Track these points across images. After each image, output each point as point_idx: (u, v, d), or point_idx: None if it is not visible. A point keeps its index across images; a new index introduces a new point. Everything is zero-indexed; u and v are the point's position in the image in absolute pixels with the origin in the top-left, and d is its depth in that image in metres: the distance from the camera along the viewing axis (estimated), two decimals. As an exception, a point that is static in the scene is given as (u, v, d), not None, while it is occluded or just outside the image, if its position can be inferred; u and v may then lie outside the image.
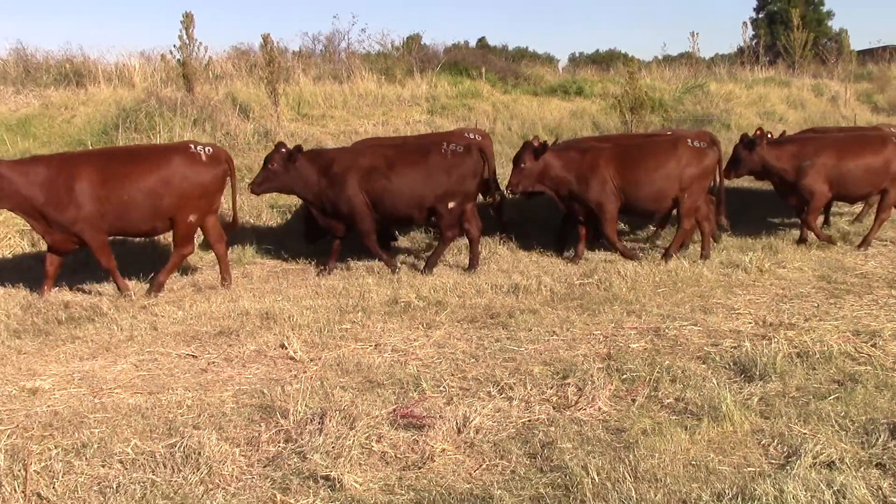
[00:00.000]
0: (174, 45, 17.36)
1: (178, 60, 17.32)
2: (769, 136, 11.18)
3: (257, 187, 9.98)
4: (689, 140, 10.17)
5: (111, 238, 8.99)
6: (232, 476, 4.67)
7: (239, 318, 7.93)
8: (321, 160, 9.86)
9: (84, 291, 9.10)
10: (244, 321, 7.81)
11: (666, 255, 10.05)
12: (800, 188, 10.61)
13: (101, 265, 8.87)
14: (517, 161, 10.21)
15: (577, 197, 10.17)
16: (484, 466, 4.76)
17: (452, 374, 6.27)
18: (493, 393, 5.85)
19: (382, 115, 18.59)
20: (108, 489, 4.53)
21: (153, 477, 4.65)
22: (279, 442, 5.11)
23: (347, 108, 18.67)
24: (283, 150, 9.85)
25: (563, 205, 10.37)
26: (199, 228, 9.43)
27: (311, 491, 4.49)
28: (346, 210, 9.73)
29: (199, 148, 9.11)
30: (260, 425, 5.37)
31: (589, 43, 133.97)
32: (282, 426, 5.29)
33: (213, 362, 6.78)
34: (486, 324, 7.62)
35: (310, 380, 6.10)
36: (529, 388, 5.88)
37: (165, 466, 4.77)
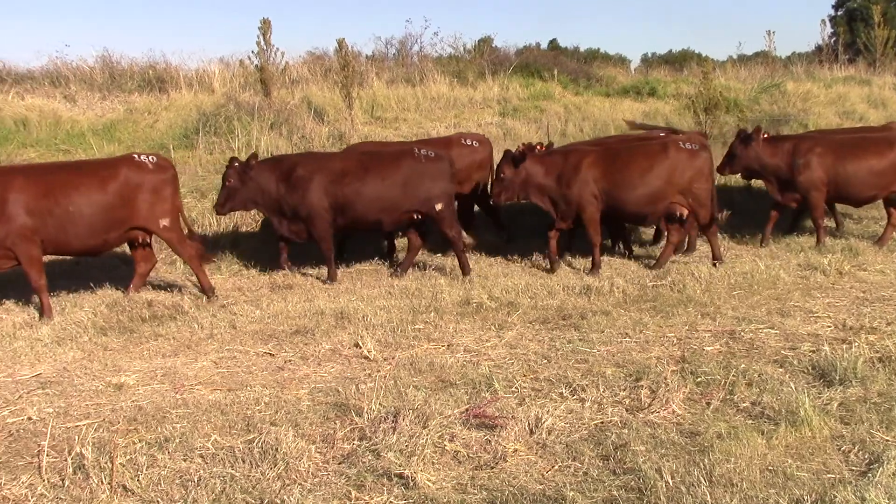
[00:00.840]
0: (252, 51, 17.77)
1: (256, 66, 17.70)
2: (765, 134, 11.09)
3: (221, 207, 9.93)
4: (681, 142, 9.96)
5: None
6: (308, 472, 4.77)
7: (314, 317, 8.09)
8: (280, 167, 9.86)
9: (167, 290, 9.37)
10: (319, 320, 7.96)
11: (658, 264, 9.95)
12: (796, 186, 10.63)
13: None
14: (497, 171, 10.18)
15: (560, 202, 9.98)
16: (556, 468, 4.77)
17: (524, 375, 6.29)
18: (565, 394, 5.84)
19: (454, 117, 18.69)
20: (190, 482, 4.67)
21: (232, 471, 4.77)
22: (354, 439, 5.20)
23: (420, 111, 18.82)
24: (237, 164, 9.77)
25: (556, 213, 10.11)
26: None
27: (384, 488, 4.56)
28: (305, 215, 9.73)
29: (143, 157, 9.01)
30: (335, 423, 5.47)
31: (662, 43, 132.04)
32: (356, 424, 5.39)
33: (290, 360, 6.93)
34: (558, 325, 7.61)
35: (383, 379, 6.19)
36: (602, 389, 5.86)
37: (244, 461, 4.90)
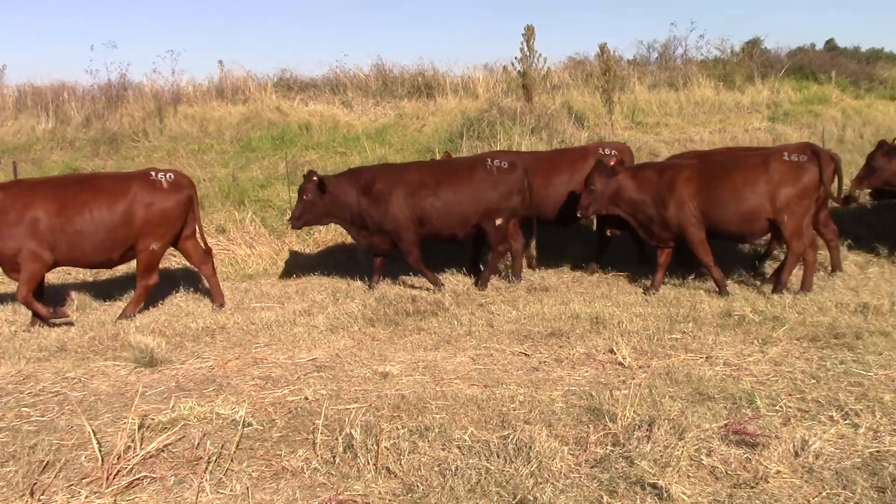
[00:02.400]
0: (515, 57, 18.17)
1: (519, 72, 18.08)
2: None
3: (296, 221, 9.86)
4: (786, 154, 8.83)
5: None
6: (560, 473, 4.81)
7: (570, 320, 8.14)
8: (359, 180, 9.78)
9: (429, 288, 9.79)
10: (574, 324, 8.00)
11: (777, 286, 8.91)
12: None
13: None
14: (586, 182, 9.51)
15: (655, 220, 9.25)
16: (824, 495, 4.47)
17: (790, 394, 5.95)
18: (835, 417, 5.45)
19: (719, 122, 18.06)
20: (448, 471, 4.87)
21: (487, 465, 4.91)
22: (607, 445, 5.18)
23: (683, 116, 18.37)
24: (315, 178, 9.74)
25: (643, 231, 9.50)
26: (182, 253, 9.61)
27: (637, 497, 4.50)
28: (391, 228, 9.65)
29: (159, 175, 9.04)
30: (588, 426, 5.48)
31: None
32: (609, 429, 5.36)
33: (544, 361, 7.02)
34: (829, 344, 7.11)
35: (638, 386, 6.10)
36: (878, 416, 5.41)
37: (498, 456, 5.02)
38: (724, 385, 6.18)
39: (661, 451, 4.90)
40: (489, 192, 9.70)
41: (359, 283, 9.99)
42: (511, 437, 5.24)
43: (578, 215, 9.72)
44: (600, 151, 10.71)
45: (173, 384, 6.83)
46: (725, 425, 5.33)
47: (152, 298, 9.72)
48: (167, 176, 9.01)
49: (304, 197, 9.69)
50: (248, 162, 15.35)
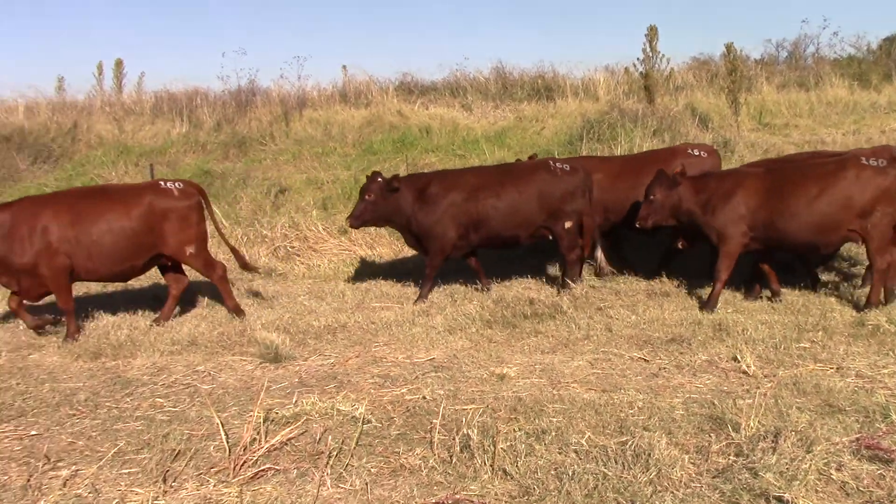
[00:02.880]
0: (637, 59, 17.91)
1: (641, 73, 17.81)
2: None
3: (355, 220, 9.74)
4: (864, 158, 8.10)
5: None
6: (681, 481, 4.71)
7: (691, 326, 7.95)
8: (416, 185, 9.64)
9: (547, 290, 9.76)
10: (696, 330, 7.81)
11: (868, 304, 8.19)
12: None
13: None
14: (647, 192, 9.03)
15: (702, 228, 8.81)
16: (965, 516, 4.23)
17: (929, 409, 5.65)
18: (979, 435, 5.15)
19: (853, 123, 17.27)
20: (564, 475, 4.83)
21: (605, 470, 4.85)
22: (730, 455, 5.04)
23: (813, 117, 17.68)
24: (380, 179, 9.62)
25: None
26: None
27: (761, 509, 4.37)
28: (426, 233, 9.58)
29: (169, 184, 9.01)
30: (710, 435, 5.34)
31: None
32: (732, 439, 5.21)
33: (664, 368, 6.89)
34: (973, 357, 6.71)
35: (763, 396, 5.89)
36: None
37: (616, 462, 4.95)
38: (855, 397, 5.91)
39: (787, 463, 4.73)
40: (552, 193, 9.62)
41: (476, 284, 10.05)
42: (629, 443, 5.17)
43: (637, 225, 9.24)
44: (689, 152, 10.42)
45: (296, 380, 7.05)
46: (857, 439, 5.10)
47: (277, 297, 10.07)
48: (176, 185, 9.12)
49: (367, 197, 9.68)
50: (370, 164, 15.62)
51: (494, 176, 9.86)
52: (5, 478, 5.27)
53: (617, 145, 14.65)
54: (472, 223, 9.62)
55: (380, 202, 9.62)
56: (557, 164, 9.78)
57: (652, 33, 17.64)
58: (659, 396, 6.16)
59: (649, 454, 4.95)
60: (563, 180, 9.64)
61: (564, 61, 43.56)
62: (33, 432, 6.07)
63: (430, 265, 9.76)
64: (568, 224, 9.67)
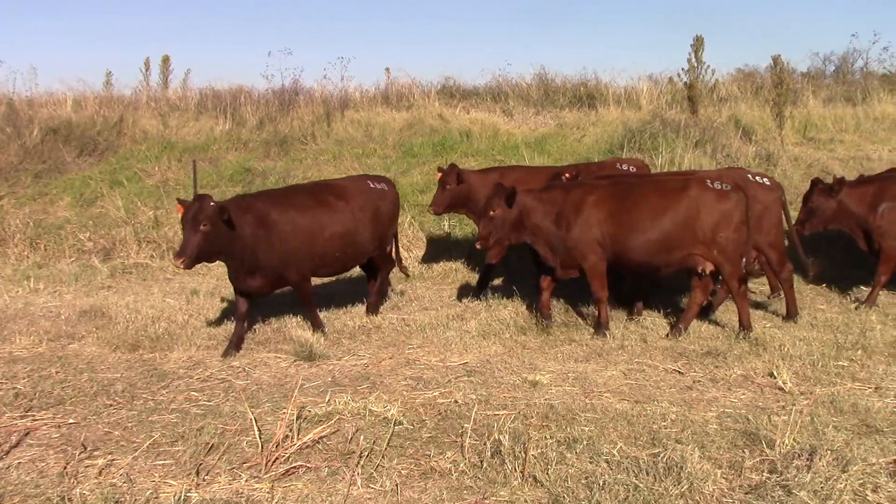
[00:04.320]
0: (682, 69, 17.70)
1: (685, 83, 17.62)
2: None
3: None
4: (708, 181, 8.10)
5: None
6: (713, 496, 4.67)
7: (727, 340, 7.89)
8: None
9: (581, 299, 9.71)
10: (732, 344, 7.75)
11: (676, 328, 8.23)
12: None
13: None
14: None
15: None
16: None
17: (969, 434, 5.54)
18: None
19: (902, 139, 16.94)
20: (595, 485, 4.81)
21: (636, 482, 4.82)
22: (763, 471, 4.98)
23: (860, 133, 17.36)
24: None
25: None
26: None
27: (794, 528, 4.32)
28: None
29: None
30: (743, 451, 5.29)
31: None
32: (766, 456, 5.16)
33: (699, 381, 6.83)
34: None
35: (799, 413, 5.81)
36: None
37: (648, 474, 4.92)
38: (894, 418, 5.83)
39: (822, 482, 4.67)
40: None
41: (511, 289, 10.02)
42: (661, 455, 5.13)
43: (478, 247, 8.67)
44: (617, 167, 10.11)
45: (329, 379, 7.09)
46: (895, 461, 5.02)
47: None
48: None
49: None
50: (409, 167, 15.68)
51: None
52: (43, 464, 5.37)
53: (658, 155, 14.51)
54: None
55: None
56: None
57: (698, 43, 17.44)
58: (693, 409, 6.11)
59: (681, 467, 4.91)
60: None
61: (608, 69, 43.22)
62: (71, 420, 6.18)
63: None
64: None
